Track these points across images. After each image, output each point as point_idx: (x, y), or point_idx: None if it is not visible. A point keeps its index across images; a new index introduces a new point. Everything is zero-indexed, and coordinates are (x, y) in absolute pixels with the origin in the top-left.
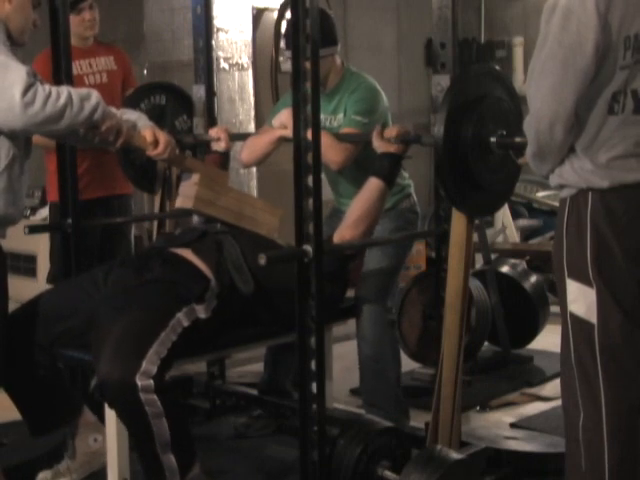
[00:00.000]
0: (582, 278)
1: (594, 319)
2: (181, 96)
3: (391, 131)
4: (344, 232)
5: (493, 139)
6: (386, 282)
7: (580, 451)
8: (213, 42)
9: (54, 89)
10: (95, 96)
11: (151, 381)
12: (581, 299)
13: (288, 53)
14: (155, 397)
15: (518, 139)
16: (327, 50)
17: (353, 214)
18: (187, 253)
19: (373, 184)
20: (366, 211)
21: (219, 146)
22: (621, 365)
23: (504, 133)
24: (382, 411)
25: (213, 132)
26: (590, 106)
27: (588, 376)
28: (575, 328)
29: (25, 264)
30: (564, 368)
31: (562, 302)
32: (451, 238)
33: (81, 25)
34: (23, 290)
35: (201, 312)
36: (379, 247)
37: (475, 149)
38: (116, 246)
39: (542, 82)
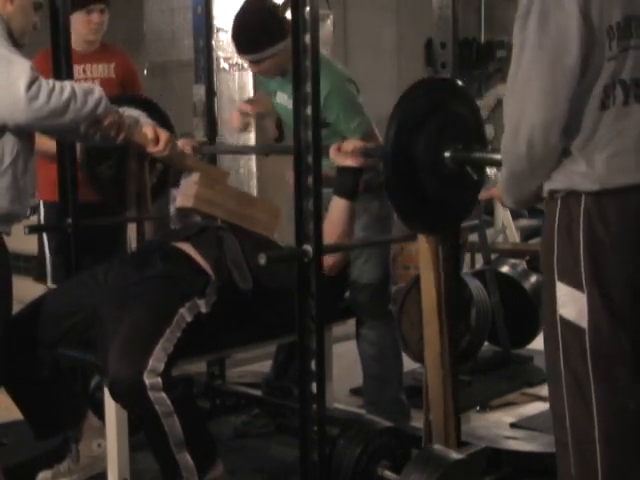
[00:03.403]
0: (573, 282)
1: (584, 323)
2: (154, 110)
3: (348, 145)
4: (325, 258)
5: (447, 153)
6: (381, 281)
7: (569, 453)
8: (213, 42)
9: (58, 83)
10: (98, 90)
11: (159, 379)
12: (571, 303)
13: (242, 57)
14: (164, 395)
15: (475, 154)
16: (279, 46)
17: (327, 240)
18: (186, 247)
19: (338, 205)
20: (339, 235)
21: None
22: (612, 369)
23: (459, 147)
24: (382, 411)
25: (181, 142)
26: (583, 104)
27: (578, 380)
28: (565, 332)
29: (25, 264)
30: (551, 371)
31: (549, 305)
32: (420, 254)
33: (87, 26)
34: (23, 290)
35: (203, 306)
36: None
37: (428, 164)
38: (117, 247)
39: (530, 89)
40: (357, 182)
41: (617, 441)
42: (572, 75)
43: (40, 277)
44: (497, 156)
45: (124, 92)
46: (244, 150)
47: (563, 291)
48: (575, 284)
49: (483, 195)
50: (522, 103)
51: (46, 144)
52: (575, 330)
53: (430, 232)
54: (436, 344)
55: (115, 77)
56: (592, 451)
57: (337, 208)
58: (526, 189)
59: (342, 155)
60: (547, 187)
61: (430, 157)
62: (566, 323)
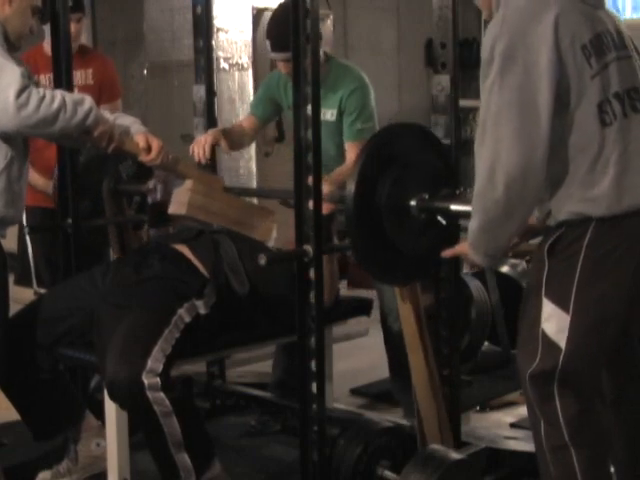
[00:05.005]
0: (560, 303)
1: (562, 344)
2: None
3: None
4: None
5: (413, 202)
6: None
7: (547, 457)
8: (213, 42)
9: (48, 92)
10: (88, 101)
11: (158, 379)
12: (554, 320)
13: (275, 55)
14: (163, 395)
15: (441, 203)
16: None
17: None
18: (184, 249)
19: None
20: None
21: (153, 198)
22: (578, 381)
23: (426, 197)
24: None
25: (152, 183)
26: (580, 128)
27: (543, 390)
28: (545, 345)
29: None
30: (522, 378)
31: (531, 317)
32: (396, 294)
33: None
34: (22, 290)
35: (201, 307)
36: None
37: (392, 214)
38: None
39: (501, 133)
40: (329, 230)
41: (588, 439)
42: (547, 111)
43: (23, 282)
44: (464, 207)
45: (104, 96)
46: (245, 192)
47: (548, 308)
48: (561, 304)
49: (448, 252)
50: (495, 148)
51: (35, 177)
52: (552, 348)
53: (403, 283)
54: (422, 369)
55: (93, 83)
56: (568, 454)
57: None
58: (501, 236)
59: None
60: (555, 218)
61: (395, 207)
62: (546, 339)
